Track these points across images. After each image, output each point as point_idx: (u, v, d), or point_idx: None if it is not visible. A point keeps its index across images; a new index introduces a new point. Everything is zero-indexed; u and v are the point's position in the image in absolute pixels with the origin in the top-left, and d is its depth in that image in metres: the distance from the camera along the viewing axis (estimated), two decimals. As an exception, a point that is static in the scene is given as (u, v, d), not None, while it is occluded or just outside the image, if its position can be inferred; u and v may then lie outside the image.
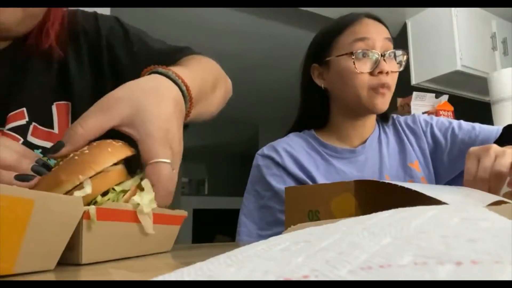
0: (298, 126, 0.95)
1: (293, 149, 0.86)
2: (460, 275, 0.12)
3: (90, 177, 0.35)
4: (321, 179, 0.83)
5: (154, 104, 0.40)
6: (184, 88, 0.45)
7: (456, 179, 0.90)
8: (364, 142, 0.90)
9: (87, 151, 0.37)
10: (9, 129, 0.56)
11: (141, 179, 0.39)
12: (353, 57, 0.81)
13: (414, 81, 2.44)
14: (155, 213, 0.40)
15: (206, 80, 0.56)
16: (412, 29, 2.51)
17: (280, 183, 0.82)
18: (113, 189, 0.37)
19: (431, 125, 0.92)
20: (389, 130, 0.94)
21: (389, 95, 0.84)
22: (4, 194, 0.25)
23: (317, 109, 0.91)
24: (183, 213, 0.45)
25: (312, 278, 0.13)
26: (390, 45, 0.84)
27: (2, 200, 0.25)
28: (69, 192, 0.35)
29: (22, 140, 0.56)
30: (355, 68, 0.81)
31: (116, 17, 0.69)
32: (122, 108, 0.39)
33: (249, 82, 3.53)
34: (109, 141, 0.39)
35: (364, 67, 0.81)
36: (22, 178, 0.36)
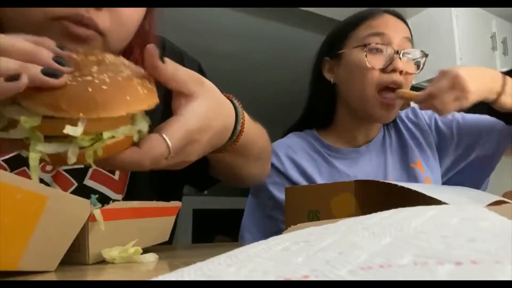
0: (302, 124, 0.92)
1: (294, 153, 0.83)
2: (460, 275, 0.12)
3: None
4: None
5: (212, 105, 0.40)
6: (239, 127, 0.45)
7: (456, 178, 0.89)
8: (369, 142, 0.87)
9: (106, 87, 0.31)
10: (65, 170, 0.51)
11: (140, 138, 0.34)
12: (366, 50, 0.76)
13: (414, 81, 2.43)
14: (152, 207, 0.40)
15: (258, 140, 0.55)
16: (412, 29, 2.49)
17: (282, 193, 0.77)
18: (101, 134, 0.31)
19: (435, 118, 0.90)
20: (391, 128, 0.91)
21: (397, 106, 0.80)
22: (20, 187, 0.24)
23: (324, 106, 0.88)
24: (177, 204, 0.45)
25: (312, 278, 0.13)
26: (409, 44, 0.80)
27: (18, 193, 0.24)
28: (57, 119, 0.29)
29: (76, 184, 0.52)
30: (367, 62, 0.75)
31: (200, 65, 0.67)
32: (196, 83, 0.39)
33: (248, 82, 3.53)
34: (137, 81, 0.34)
35: (376, 62, 0.76)
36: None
